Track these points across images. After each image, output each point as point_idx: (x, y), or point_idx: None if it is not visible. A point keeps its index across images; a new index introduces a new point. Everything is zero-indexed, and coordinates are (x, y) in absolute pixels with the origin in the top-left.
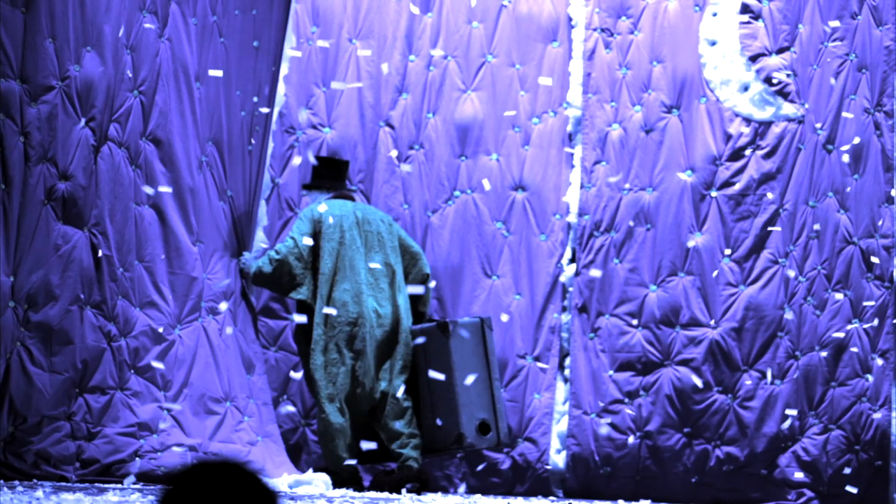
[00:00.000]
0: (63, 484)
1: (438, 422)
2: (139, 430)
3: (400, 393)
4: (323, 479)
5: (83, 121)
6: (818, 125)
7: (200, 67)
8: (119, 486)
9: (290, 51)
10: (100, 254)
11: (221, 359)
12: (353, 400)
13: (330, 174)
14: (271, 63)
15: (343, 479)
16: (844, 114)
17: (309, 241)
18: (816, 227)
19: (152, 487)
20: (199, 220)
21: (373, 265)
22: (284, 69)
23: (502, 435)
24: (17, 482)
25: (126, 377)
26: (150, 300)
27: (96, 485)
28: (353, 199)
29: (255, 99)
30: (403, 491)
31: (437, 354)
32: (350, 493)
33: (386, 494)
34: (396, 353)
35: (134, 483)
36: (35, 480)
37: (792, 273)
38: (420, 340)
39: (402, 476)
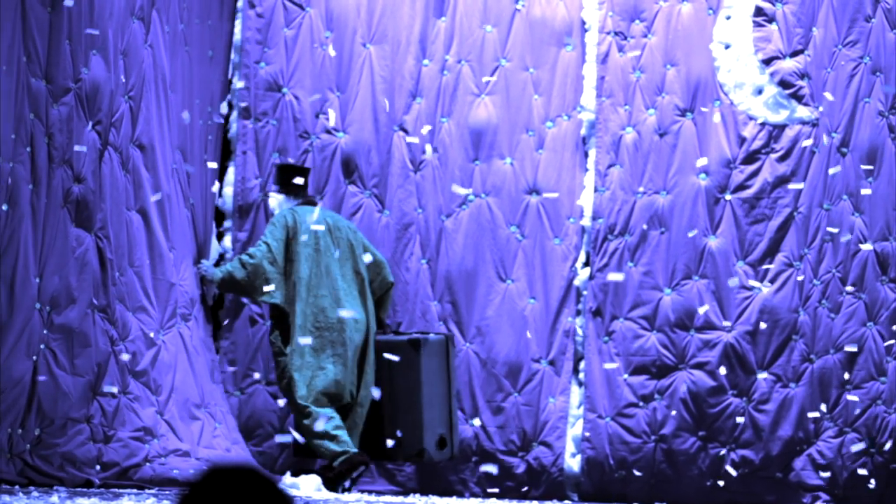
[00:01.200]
0: (80, 489)
1: (398, 433)
2: (145, 434)
3: (367, 403)
4: (313, 482)
5: (90, 124)
6: (833, 131)
7: (171, 75)
8: (134, 490)
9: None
10: (108, 256)
11: (195, 365)
12: (329, 401)
13: (296, 180)
14: (221, 73)
15: (346, 471)
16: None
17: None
18: (836, 230)
19: (168, 492)
20: (173, 226)
21: (370, 260)
22: (237, 81)
23: (456, 449)
24: (32, 487)
25: (127, 381)
26: (140, 305)
27: (112, 490)
28: (316, 205)
29: (210, 109)
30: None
31: (405, 368)
32: (366, 496)
33: (401, 498)
34: (368, 362)
35: (149, 487)
36: (56, 486)
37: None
38: (392, 357)
39: (349, 465)
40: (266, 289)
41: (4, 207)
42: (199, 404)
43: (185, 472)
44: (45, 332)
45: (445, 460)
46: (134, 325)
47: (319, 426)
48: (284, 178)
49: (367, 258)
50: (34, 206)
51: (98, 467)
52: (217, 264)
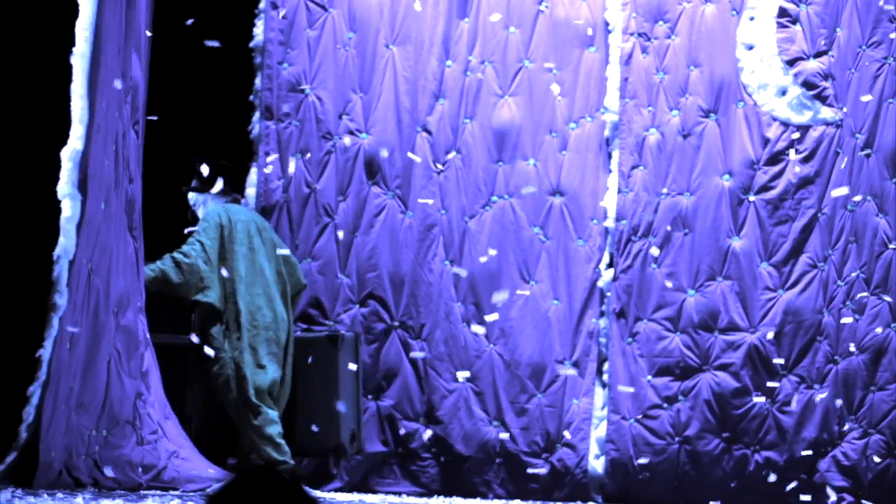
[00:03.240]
0: (104, 492)
1: (314, 428)
2: (158, 434)
3: (284, 402)
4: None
5: (132, 123)
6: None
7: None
8: (158, 492)
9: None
10: (140, 256)
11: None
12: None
13: (225, 179)
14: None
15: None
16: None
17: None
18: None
19: (191, 494)
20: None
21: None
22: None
23: (362, 445)
24: (57, 490)
25: (138, 382)
26: (140, 305)
27: (140, 492)
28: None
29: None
30: None
31: (322, 365)
32: (390, 497)
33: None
34: (288, 360)
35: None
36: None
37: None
38: (309, 359)
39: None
40: (202, 289)
41: (102, 206)
42: (165, 405)
43: (201, 473)
44: (114, 333)
45: (353, 455)
46: (140, 326)
47: (268, 430)
48: (209, 176)
49: (284, 251)
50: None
51: (140, 469)
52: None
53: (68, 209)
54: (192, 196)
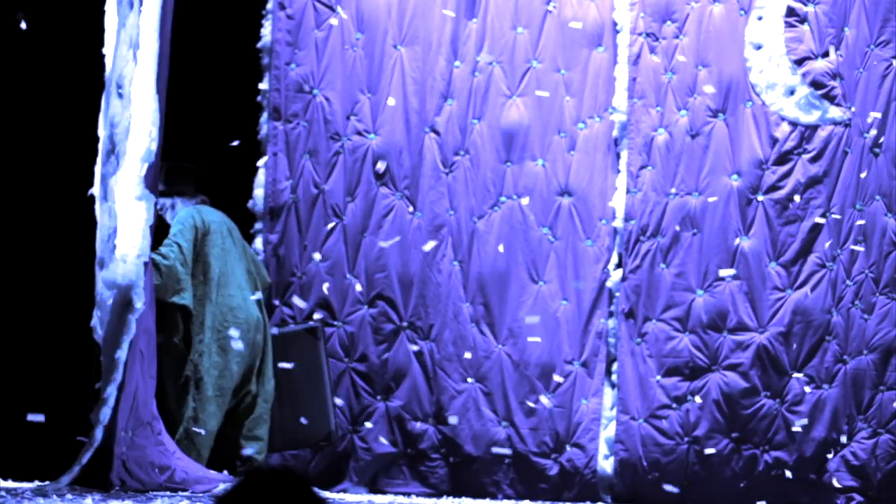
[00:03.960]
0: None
1: (303, 420)
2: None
3: (271, 398)
4: None
5: None
6: (867, 130)
7: None
8: (167, 493)
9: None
10: None
11: None
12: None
13: (189, 181)
14: None
15: None
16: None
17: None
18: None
19: (200, 495)
20: None
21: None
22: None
23: (339, 434)
24: (66, 490)
25: None
26: None
27: (148, 493)
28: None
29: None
30: None
31: (304, 357)
32: (399, 498)
33: (433, 500)
34: (267, 358)
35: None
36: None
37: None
38: (286, 365)
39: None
40: (178, 291)
41: None
42: None
43: (208, 474)
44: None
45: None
46: None
47: (197, 440)
48: (177, 178)
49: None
50: None
51: (157, 470)
52: None
53: (143, 210)
54: (159, 200)
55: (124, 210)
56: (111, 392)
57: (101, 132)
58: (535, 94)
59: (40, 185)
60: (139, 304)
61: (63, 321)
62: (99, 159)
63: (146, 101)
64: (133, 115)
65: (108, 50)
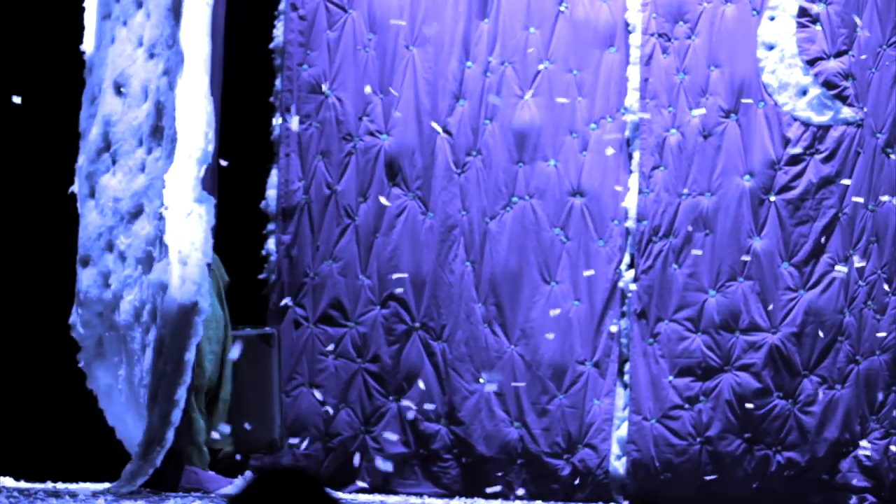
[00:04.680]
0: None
1: (247, 426)
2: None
3: (229, 399)
4: None
5: None
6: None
7: None
8: (180, 494)
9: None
10: None
11: None
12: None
13: None
14: None
15: None
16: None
17: None
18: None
19: (212, 495)
20: None
21: None
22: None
23: (285, 441)
24: (79, 491)
25: None
26: None
27: (163, 493)
28: None
29: None
30: None
31: (255, 362)
32: (411, 499)
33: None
34: (228, 356)
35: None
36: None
37: (843, 269)
38: (238, 352)
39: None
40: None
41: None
42: None
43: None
44: None
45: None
46: None
47: (197, 437)
48: None
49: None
50: None
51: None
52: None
53: (203, 212)
54: None
55: (177, 212)
56: (181, 394)
57: (93, 130)
58: (546, 94)
59: (13, 182)
60: (205, 304)
61: (45, 318)
62: (83, 156)
63: (198, 104)
64: (179, 118)
65: (87, 47)
